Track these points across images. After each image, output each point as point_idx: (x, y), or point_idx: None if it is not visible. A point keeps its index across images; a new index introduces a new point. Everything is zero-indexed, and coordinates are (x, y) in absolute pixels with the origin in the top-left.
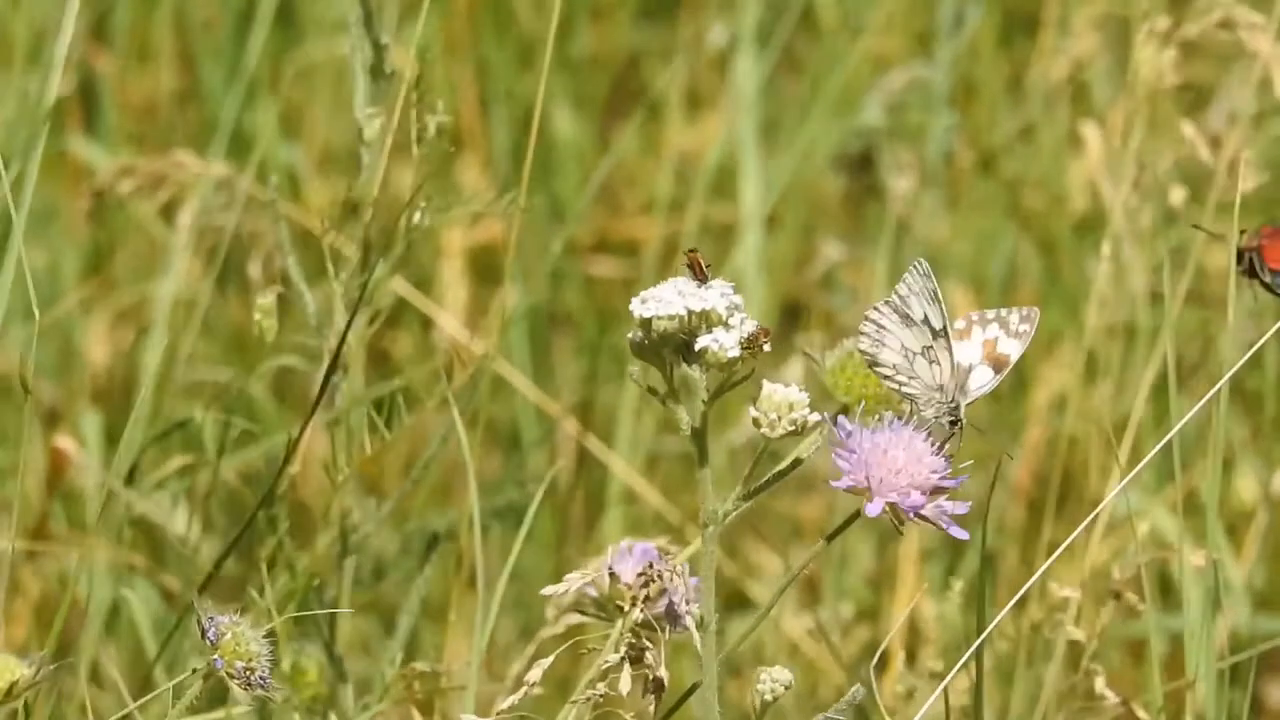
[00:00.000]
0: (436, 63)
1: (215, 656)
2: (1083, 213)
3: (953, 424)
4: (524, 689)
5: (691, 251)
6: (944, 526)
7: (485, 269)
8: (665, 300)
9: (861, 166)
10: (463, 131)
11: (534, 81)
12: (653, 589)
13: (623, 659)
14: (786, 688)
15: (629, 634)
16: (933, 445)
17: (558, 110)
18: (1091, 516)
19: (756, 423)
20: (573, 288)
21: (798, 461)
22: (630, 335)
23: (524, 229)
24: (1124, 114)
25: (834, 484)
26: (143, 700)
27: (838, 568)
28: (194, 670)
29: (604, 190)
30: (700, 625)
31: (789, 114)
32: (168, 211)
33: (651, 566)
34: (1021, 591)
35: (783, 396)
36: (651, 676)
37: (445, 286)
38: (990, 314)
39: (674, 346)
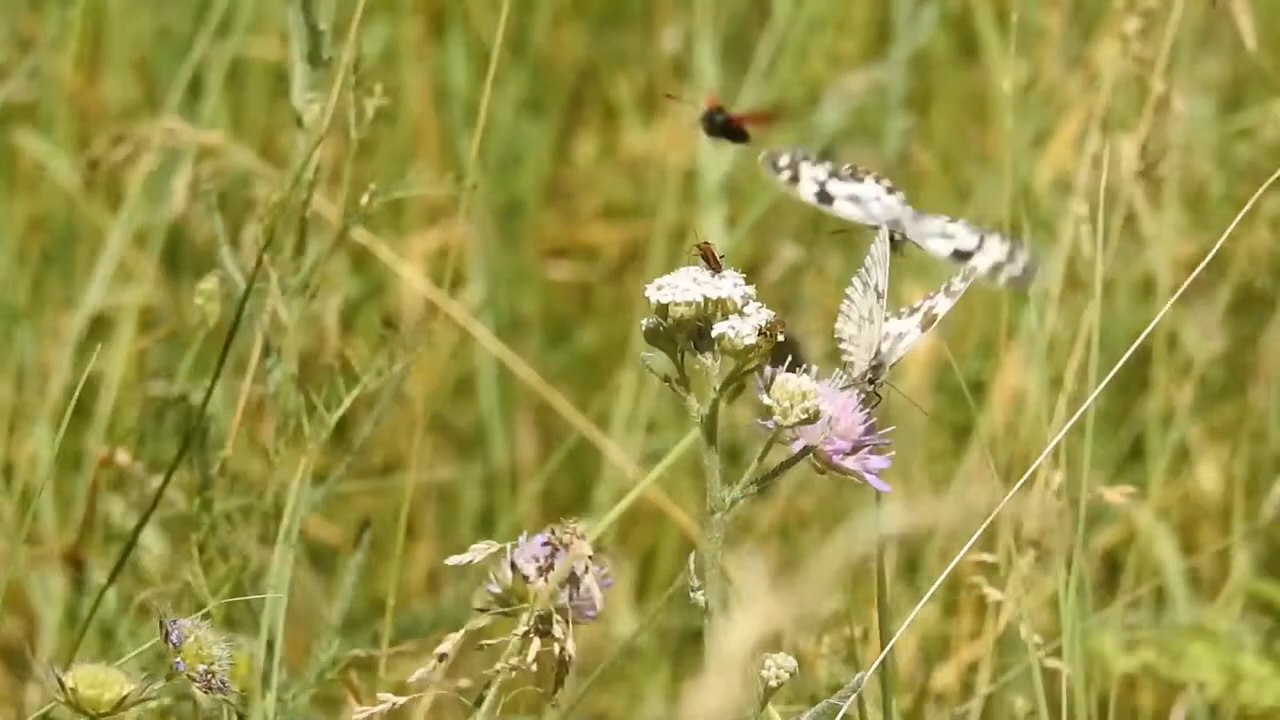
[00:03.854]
0: (392, 61)
1: (177, 659)
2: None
3: (871, 384)
4: (434, 662)
5: (705, 243)
6: (866, 478)
7: (444, 274)
8: (681, 287)
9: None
10: (419, 137)
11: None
12: (554, 576)
13: (527, 634)
14: (791, 674)
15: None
16: (858, 403)
17: (516, 115)
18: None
19: (770, 411)
20: (531, 292)
21: (808, 449)
22: (645, 321)
23: (482, 234)
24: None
25: (758, 423)
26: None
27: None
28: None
29: (561, 195)
30: (705, 612)
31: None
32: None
33: (551, 555)
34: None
35: (795, 385)
36: (560, 651)
37: (403, 290)
38: (942, 287)
39: (688, 333)
